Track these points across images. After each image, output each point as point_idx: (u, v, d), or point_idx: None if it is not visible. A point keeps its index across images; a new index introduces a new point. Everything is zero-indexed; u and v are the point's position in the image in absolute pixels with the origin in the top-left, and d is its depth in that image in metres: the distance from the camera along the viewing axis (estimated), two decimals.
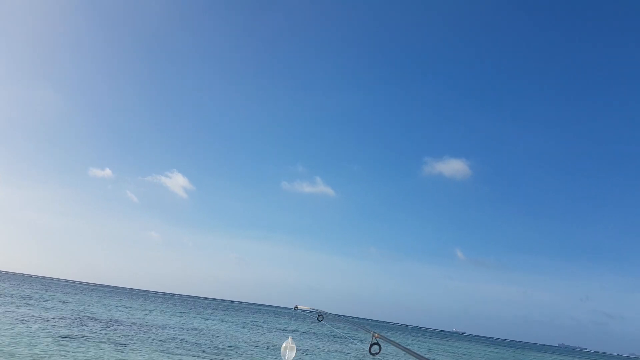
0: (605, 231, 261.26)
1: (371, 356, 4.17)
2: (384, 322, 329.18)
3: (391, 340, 4.23)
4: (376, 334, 4.36)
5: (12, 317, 29.60)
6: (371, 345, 4.27)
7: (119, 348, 22.65)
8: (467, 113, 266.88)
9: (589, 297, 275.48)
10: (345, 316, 9.17)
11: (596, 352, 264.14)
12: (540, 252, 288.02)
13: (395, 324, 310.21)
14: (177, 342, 28.60)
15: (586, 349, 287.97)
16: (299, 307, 10.84)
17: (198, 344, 28.86)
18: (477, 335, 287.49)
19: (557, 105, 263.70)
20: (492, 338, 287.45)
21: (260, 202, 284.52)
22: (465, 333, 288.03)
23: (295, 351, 10.30)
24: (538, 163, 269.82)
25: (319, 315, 8.75)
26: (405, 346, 4.13)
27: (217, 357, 24.25)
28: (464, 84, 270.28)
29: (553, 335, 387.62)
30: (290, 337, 10.48)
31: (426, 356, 3.67)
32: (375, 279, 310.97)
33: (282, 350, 10.28)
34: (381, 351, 4.22)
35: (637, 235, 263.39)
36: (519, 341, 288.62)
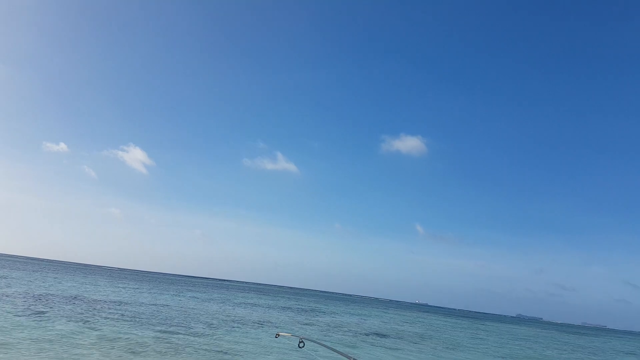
0: (559, 206, 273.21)
1: None
2: (350, 295, 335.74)
3: None
4: None
5: None
6: None
7: (81, 324, 20.92)
8: (423, 91, 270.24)
9: (543, 269, 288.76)
10: (325, 344, 8.20)
11: (550, 322, 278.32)
12: (498, 226, 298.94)
13: (360, 296, 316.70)
14: (142, 318, 27.02)
15: (541, 318, 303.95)
16: (280, 334, 10.12)
17: (164, 319, 27.40)
18: (438, 307, 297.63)
19: (513, 81, 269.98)
20: (453, 309, 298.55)
21: (223, 179, 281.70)
22: (427, 304, 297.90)
23: None
24: (494, 139, 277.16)
25: (300, 342, 8.26)
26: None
27: (184, 331, 22.92)
28: (421, 62, 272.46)
29: (511, 306, 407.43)
30: None
31: None
32: (341, 254, 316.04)
33: None
34: None
35: (589, 209, 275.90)
36: (478, 312, 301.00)
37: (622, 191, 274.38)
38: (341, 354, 7.29)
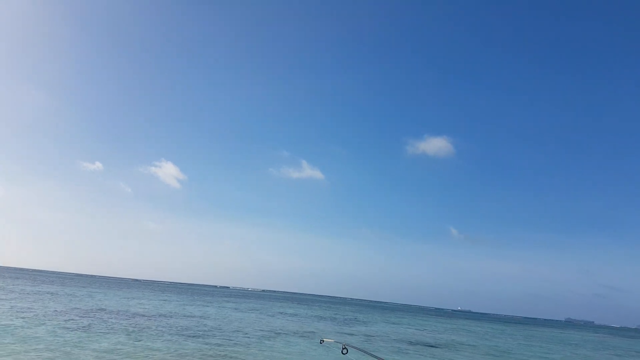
0: (604, 201, 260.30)
1: None
2: (386, 302, 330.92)
3: None
4: None
5: (22, 312, 28.18)
6: None
7: (133, 337, 21.23)
8: (445, 91, 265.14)
9: (589, 270, 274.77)
10: (368, 352, 7.92)
11: (604, 325, 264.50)
12: (537, 226, 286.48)
13: (396, 304, 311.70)
14: (190, 330, 27.22)
15: (593, 322, 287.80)
16: (325, 340, 10.49)
17: (208, 330, 27.52)
18: (482, 313, 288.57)
19: (546, 76, 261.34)
20: (498, 315, 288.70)
21: (251, 189, 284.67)
22: (470, 311, 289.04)
23: None
24: (527, 135, 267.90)
25: (343, 348, 8.27)
26: None
27: (230, 342, 22.90)
28: (441, 61, 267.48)
29: (559, 310, 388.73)
30: None
31: None
32: (373, 260, 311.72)
33: None
34: None
35: (636, 204, 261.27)
36: (525, 317, 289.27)
37: None
38: None
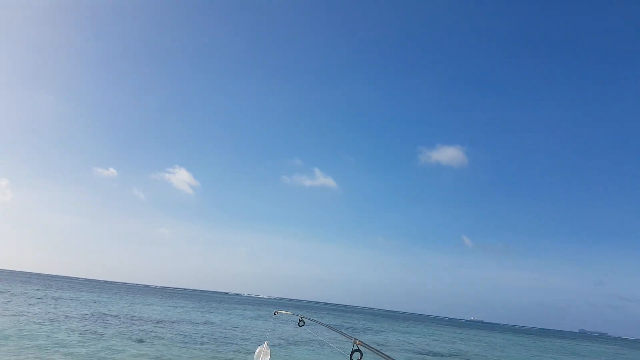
0: (618, 212, 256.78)
1: None
2: (399, 312, 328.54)
3: (372, 348, 4.21)
4: (357, 341, 4.36)
5: (37, 317, 28.76)
6: (352, 352, 4.21)
7: (141, 344, 21.59)
8: (456, 100, 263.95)
9: (603, 281, 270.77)
10: (324, 324, 8.15)
11: (616, 337, 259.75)
12: (551, 236, 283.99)
13: (409, 313, 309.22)
14: (203, 337, 27.54)
15: (607, 334, 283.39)
16: (279, 312, 10.80)
17: (221, 337, 27.80)
18: (494, 323, 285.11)
19: (562, 85, 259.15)
20: (511, 325, 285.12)
21: (264, 197, 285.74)
22: (482, 321, 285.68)
23: (270, 356, 10.16)
24: (540, 145, 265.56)
25: (299, 320, 8.53)
26: (385, 352, 4.17)
27: (241, 349, 23.15)
28: (455, 71, 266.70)
29: (572, 321, 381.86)
30: (266, 342, 10.34)
31: None
32: (386, 268, 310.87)
33: (255, 355, 10.08)
34: (362, 358, 4.18)
35: None
36: (538, 328, 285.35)
37: None
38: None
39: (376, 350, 4.15)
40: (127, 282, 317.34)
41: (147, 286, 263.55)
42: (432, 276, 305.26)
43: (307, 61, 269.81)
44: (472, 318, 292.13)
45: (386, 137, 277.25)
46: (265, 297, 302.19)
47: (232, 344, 26.99)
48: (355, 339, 4.44)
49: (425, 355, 32.06)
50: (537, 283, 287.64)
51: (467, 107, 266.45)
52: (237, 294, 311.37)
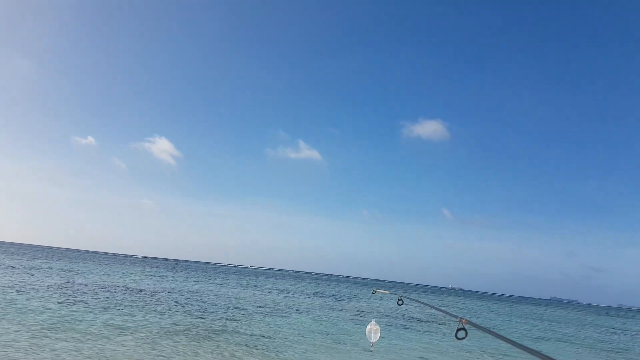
0: (592, 186, 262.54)
1: (457, 340, 4.19)
2: (382, 280, 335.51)
3: (478, 326, 4.25)
4: (463, 320, 4.35)
5: (19, 286, 28.38)
6: (457, 330, 4.22)
7: (107, 312, 21.47)
8: (437, 74, 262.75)
9: (576, 252, 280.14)
10: (426, 303, 8.10)
11: (588, 304, 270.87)
12: (528, 209, 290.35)
13: (392, 282, 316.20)
14: (177, 305, 27.56)
15: (577, 301, 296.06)
16: (378, 290, 11.21)
17: (206, 305, 27.90)
18: (472, 291, 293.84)
19: (535, 57, 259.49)
20: (487, 293, 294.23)
21: (248, 168, 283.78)
22: (460, 289, 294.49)
23: (380, 333, 10.80)
24: (518, 119, 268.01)
25: (399, 300, 8.69)
26: (493, 330, 4.18)
27: (226, 317, 23.23)
28: (437, 46, 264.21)
29: (545, 289, 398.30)
30: (373, 320, 11.00)
31: (518, 341, 3.44)
32: (371, 240, 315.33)
33: (366, 332, 10.82)
34: (467, 336, 4.14)
35: (622, 190, 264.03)
36: (513, 295, 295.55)
37: None
38: None
39: (482, 327, 4.19)
40: (109, 252, 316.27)
41: (131, 256, 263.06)
42: (413, 247, 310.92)
43: (293, 35, 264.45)
44: (450, 286, 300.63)
45: (369, 110, 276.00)
46: (252, 267, 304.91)
47: (216, 312, 27.06)
48: (460, 318, 4.44)
49: (398, 320, 32.75)
50: (514, 254, 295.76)
51: (450, 82, 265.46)
52: (220, 265, 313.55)
